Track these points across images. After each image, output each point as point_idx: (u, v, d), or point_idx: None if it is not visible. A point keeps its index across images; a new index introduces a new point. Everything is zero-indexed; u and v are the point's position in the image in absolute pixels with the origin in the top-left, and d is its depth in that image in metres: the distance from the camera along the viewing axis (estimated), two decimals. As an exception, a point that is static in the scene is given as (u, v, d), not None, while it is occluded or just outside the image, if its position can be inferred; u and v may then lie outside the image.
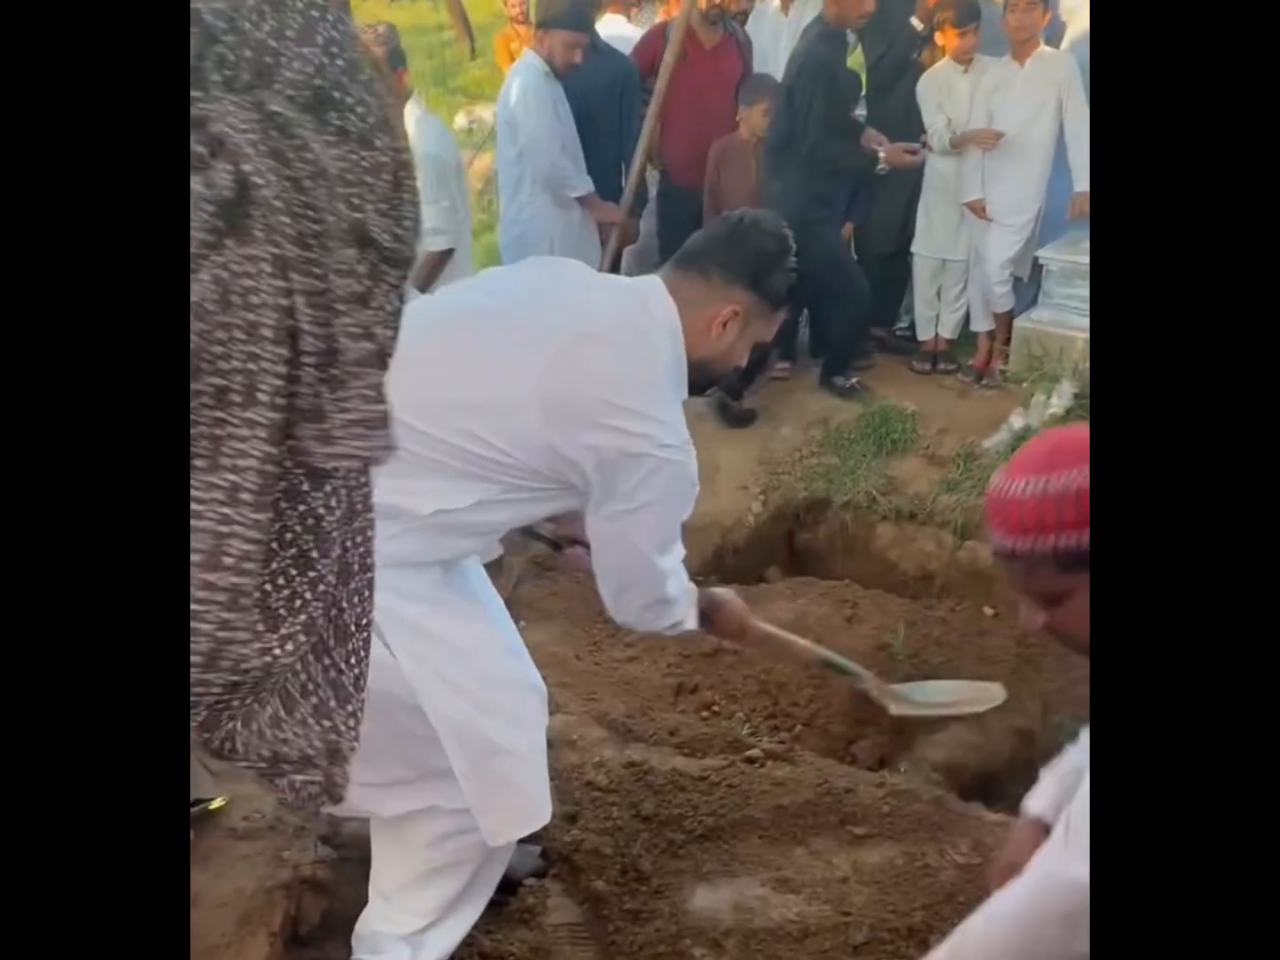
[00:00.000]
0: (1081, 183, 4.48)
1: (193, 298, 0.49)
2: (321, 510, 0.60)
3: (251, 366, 0.52)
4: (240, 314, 0.50)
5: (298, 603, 0.60)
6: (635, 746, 2.69)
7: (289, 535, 0.59)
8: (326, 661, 0.65)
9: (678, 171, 4.92)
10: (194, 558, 0.54)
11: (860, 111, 4.85)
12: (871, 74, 4.97)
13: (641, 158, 4.58)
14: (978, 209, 4.69)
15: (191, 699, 0.58)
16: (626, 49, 4.94)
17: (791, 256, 1.89)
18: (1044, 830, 1.50)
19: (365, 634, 0.68)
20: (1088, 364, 4.19)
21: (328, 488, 0.59)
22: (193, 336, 0.50)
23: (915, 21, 4.84)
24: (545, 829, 2.15)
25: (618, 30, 5.29)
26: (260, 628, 0.58)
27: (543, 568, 3.73)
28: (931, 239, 4.90)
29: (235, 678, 0.58)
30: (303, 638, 0.61)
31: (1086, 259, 4.42)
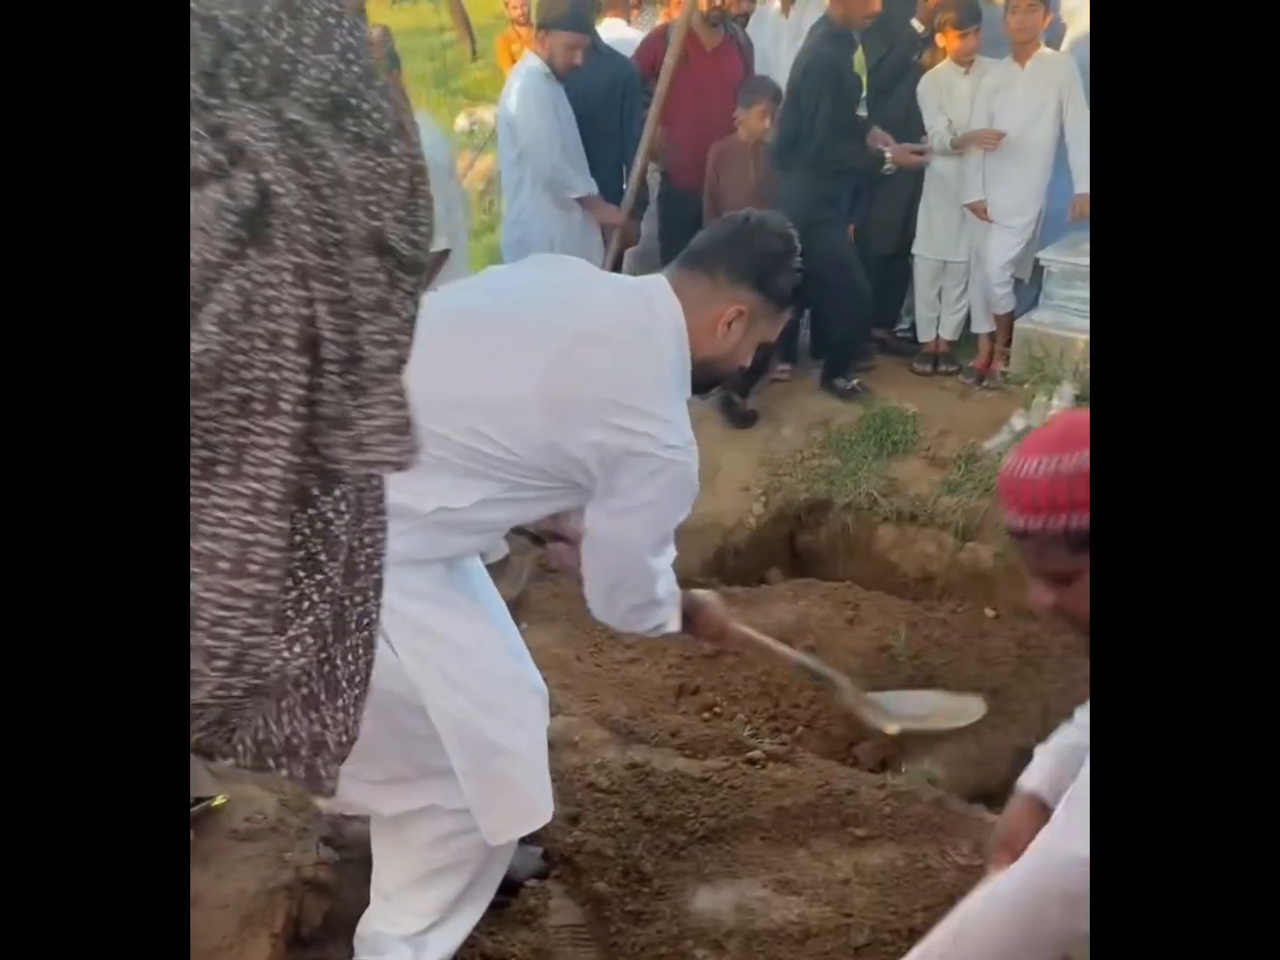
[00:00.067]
0: (1082, 184, 4.48)
1: (216, 308, 0.50)
2: (331, 514, 0.60)
3: (274, 376, 0.52)
4: (262, 323, 0.51)
5: (305, 605, 0.60)
6: (637, 748, 2.70)
7: (298, 538, 0.59)
8: (322, 656, 0.65)
9: (678, 173, 4.92)
10: (220, 565, 0.54)
11: (861, 113, 4.85)
12: (872, 76, 4.96)
13: (643, 160, 4.58)
14: (979, 210, 4.69)
15: (210, 702, 0.58)
16: (628, 52, 4.94)
17: (797, 257, 1.89)
18: (1039, 806, 1.51)
19: (367, 633, 0.69)
20: (1088, 365, 4.19)
21: (337, 492, 0.60)
22: (216, 347, 0.50)
23: (916, 23, 4.85)
24: (547, 830, 2.15)
25: (619, 33, 5.29)
26: (269, 630, 0.59)
27: (544, 569, 3.73)
28: (932, 241, 4.90)
29: (257, 681, 0.58)
30: (310, 639, 0.61)
31: (1087, 260, 4.42)
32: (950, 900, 2.18)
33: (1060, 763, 1.54)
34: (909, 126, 4.72)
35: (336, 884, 2.14)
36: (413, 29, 12.48)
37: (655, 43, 4.95)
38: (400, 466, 0.60)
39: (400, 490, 0.70)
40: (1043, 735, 1.68)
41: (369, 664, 0.70)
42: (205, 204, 0.48)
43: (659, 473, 1.73)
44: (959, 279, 4.94)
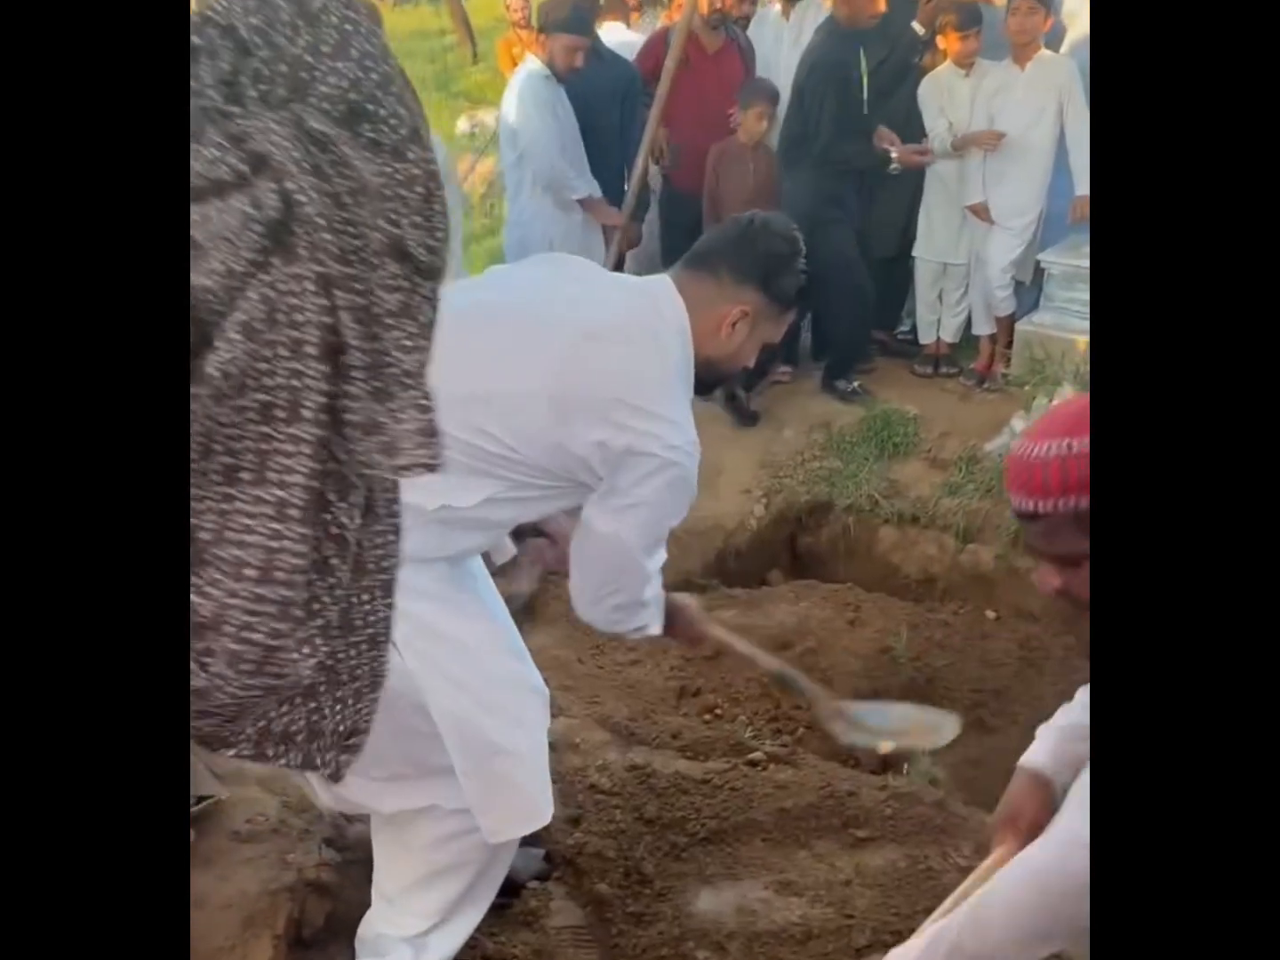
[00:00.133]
0: (1082, 186, 4.48)
1: (241, 316, 0.50)
2: (345, 520, 0.60)
3: (296, 383, 0.53)
4: (285, 331, 0.51)
5: (315, 606, 0.61)
6: (638, 749, 2.70)
7: (315, 543, 0.59)
8: (325, 650, 0.66)
9: (679, 175, 4.93)
10: (246, 571, 0.55)
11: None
12: (873, 78, 4.96)
13: (643, 162, 4.59)
14: (980, 212, 4.69)
15: (229, 702, 0.59)
16: (629, 55, 4.95)
17: (801, 258, 1.89)
18: (1042, 783, 1.51)
19: (372, 630, 0.69)
20: (1089, 367, 4.19)
21: (352, 498, 0.60)
22: (240, 355, 0.51)
23: (917, 26, 4.85)
24: (548, 832, 2.15)
25: (619, 37, 5.30)
26: (291, 634, 0.59)
27: (546, 571, 3.73)
28: (933, 243, 4.90)
29: (276, 682, 0.59)
30: (319, 640, 0.62)
31: (1088, 263, 4.43)
32: (952, 901, 2.19)
33: (1063, 739, 1.54)
34: (909, 128, 4.73)
35: (338, 885, 2.14)
36: (413, 32, 12.49)
37: (656, 46, 4.96)
38: (432, 468, 0.61)
39: (404, 488, 0.70)
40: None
41: (375, 660, 0.70)
42: (230, 214, 0.49)
43: (658, 473, 1.73)
44: (959, 281, 4.94)
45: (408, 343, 0.56)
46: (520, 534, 2.22)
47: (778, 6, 5.46)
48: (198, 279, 0.51)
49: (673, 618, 2.05)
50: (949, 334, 5.05)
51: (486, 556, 2.11)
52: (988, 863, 1.52)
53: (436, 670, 1.77)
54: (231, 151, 0.48)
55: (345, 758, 0.72)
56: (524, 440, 1.71)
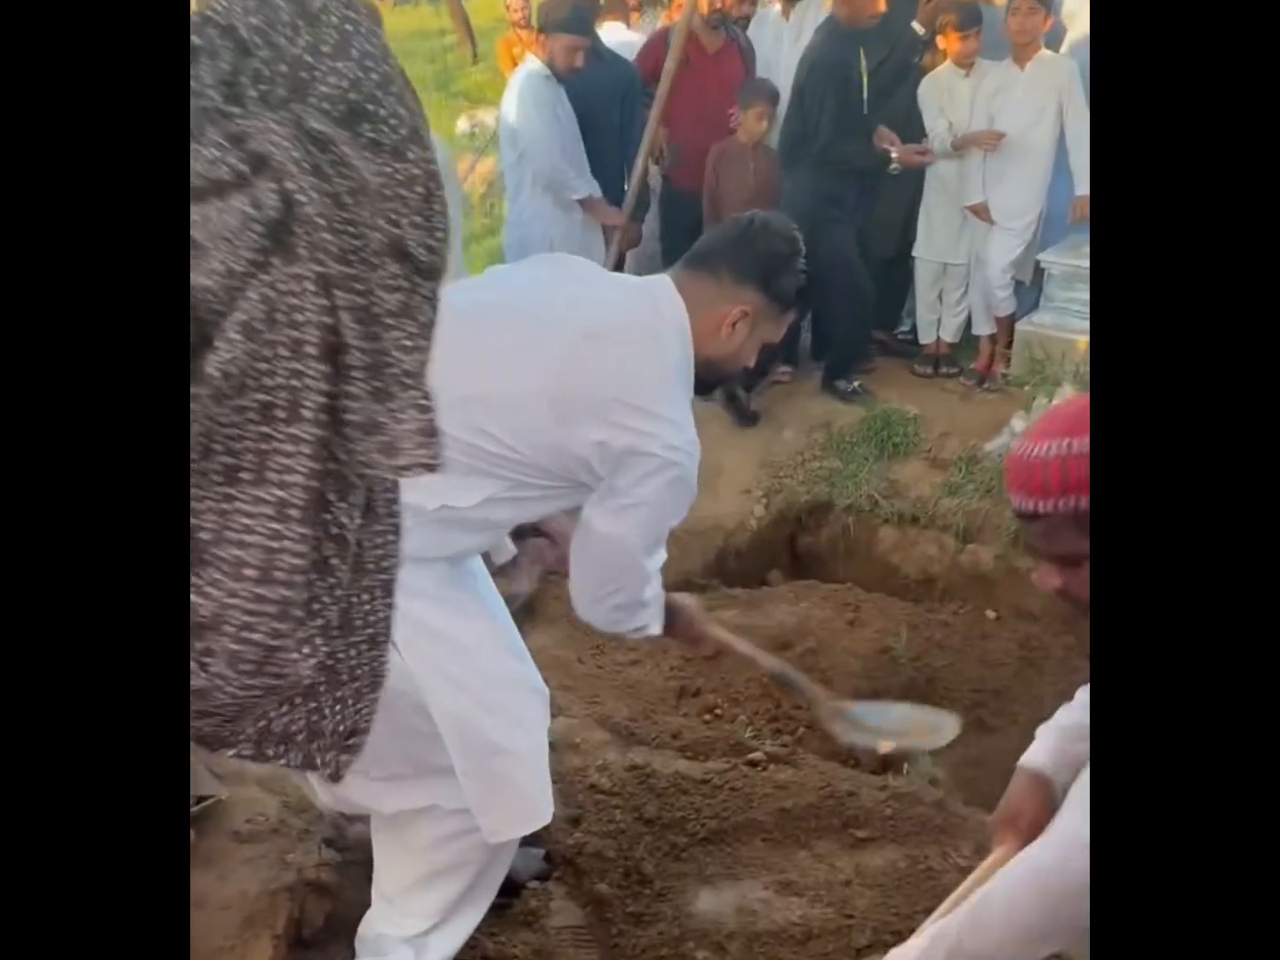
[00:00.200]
0: (1082, 186, 4.48)
1: (241, 316, 0.50)
2: (345, 520, 0.60)
3: (295, 383, 0.53)
4: (285, 331, 0.51)
5: (315, 606, 0.61)
6: (638, 749, 2.70)
7: (315, 543, 0.59)
8: (325, 650, 0.66)
9: (679, 175, 4.93)
10: (246, 572, 0.55)
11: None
12: (873, 78, 4.96)
13: (643, 162, 4.59)
14: (980, 212, 4.69)
15: (229, 702, 0.59)
16: (629, 55, 4.95)
17: (801, 258, 1.90)
18: (1042, 782, 1.51)
19: (372, 630, 0.69)
20: (1089, 368, 4.19)
21: (352, 498, 0.60)
22: (240, 355, 0.51)
23: (917, 26, 4.85)
24: (548, 832, 2.15)
25: (619, 37, 5.30)
26: (291, 634, 0.59)
27: (546, 570, 3.73)
28: (933, 243, 4.90)
29: (276, 682, 0.59)
30: (319, 640, 0.62)
31: (1088, 262, 4.43)
32: (952, 902, 2.19)
33: (1063, 739, 1.54)
34: (909, 128, 4.73)
35: (338, 885, 2.14)
36: (413, 32, 12.49)
37: (656, 46, 4.96)
38: (432, 468, 0.61)
39: (404, 488, 0.70)
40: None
41: (375, 660, 0.70)
42: (230, 214, 0.49)
43: (658, 473, 1.73)
44: (959, 281, 4.94)
45: (408, 343, 0.56)
46: (520, 534, 2.22)
47: (778, 6, 5.46)
48: (198, 279, 0.51)
49: (673, 618, 2.05)
50: (949, 334, 5.05)
51: (486, 556, 2.12)
52: (988, 863, 1.52)
53: (436, 670, 1.77)
54: (231, 151, 0.48)
55: (345, 758, 0.72)
56: (524, 440, 1.71)
